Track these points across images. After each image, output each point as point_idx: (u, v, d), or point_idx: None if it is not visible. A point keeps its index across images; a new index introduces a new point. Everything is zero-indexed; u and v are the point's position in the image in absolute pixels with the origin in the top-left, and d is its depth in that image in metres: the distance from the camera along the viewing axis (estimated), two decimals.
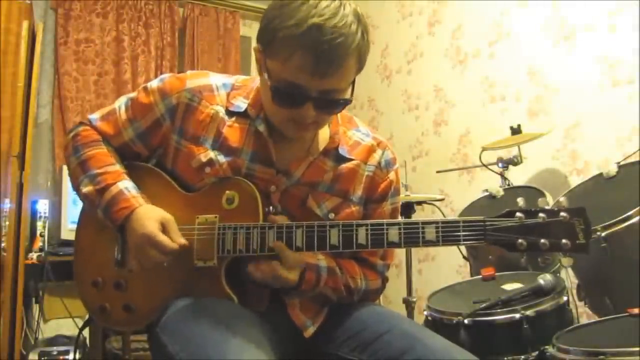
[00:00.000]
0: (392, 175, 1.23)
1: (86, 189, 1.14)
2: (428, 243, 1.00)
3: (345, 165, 1.18)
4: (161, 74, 3.48)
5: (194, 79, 1.17)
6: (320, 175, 1.16)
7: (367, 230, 1.03)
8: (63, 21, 3.38)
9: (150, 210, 1.10)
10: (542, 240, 0.95)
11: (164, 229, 1.07)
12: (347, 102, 1.07)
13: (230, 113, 1.15)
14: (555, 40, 2.61)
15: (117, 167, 1.16)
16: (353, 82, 1.07)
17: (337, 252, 1.08)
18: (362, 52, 1.02)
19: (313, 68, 0.97)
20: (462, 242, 1.00)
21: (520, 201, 0.98)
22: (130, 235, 1.09)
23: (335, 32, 0.96)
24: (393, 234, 1.02)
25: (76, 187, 1.18)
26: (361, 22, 1.00)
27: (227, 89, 1.18)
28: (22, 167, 2.49)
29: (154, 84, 1.19)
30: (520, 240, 0.95)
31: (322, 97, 1.03)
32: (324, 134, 1.18)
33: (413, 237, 1.01)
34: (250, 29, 4.07)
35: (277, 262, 1.06)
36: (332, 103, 1.06)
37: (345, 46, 0.97)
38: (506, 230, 0.96)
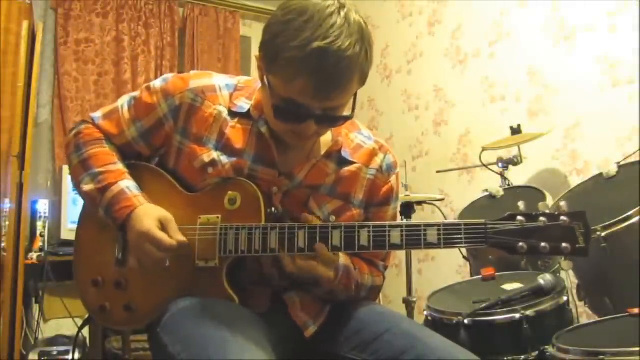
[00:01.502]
0: (393, 180, 1.24)
1: (87, 187, 1.14)
2: (430, 245, 1.01)
3: (347, 169, 1.18)
4: (161, 74, 3.50)
5: (197, 79, 1.17)
6: (323, 178, 1.16)
7: (369, 232, 1.03)
8: (63, 21, 3.38)
9: (150, 209, 1.10)
10: (543, 244, 0.95)
11: (163, 227, 1.07)
12: (349, 118, 1.09)
13: (232, 114, 1.15)
14: (555, 40, 2.62)
15: (119, 166, 1.16)
16: (355, 95, 1.07)
17: None
18: (365, 70, 1.03)
19: (315, 91, 0.98)
20: (463, 245, 1.00)
21: (521, 205, 0.99)
22: (129, 235, 1.09)
23: (339, 56, 0.95)
24: (395, 236, 1.02)
25: (77, 185, 1.18)
26: (365, 38, 1.00)
27: (230, 89, 1.18)
28: (22, 167, 2.49)
29: (157, 83, 1.19)
30: (521, 244, 0.96)
31: (324, 114, 1.03)
32: (326, 137, 1.18)
33: (415, 240, 1.02)
34: (250, 29, 4.06)
35: (315, 261, 1.06)
36: (334, 119, 1.07)
37: (349, 69, 0.97)
38: (507, 234, 0.97)
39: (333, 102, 1.02)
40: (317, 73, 0.96)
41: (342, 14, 0.97)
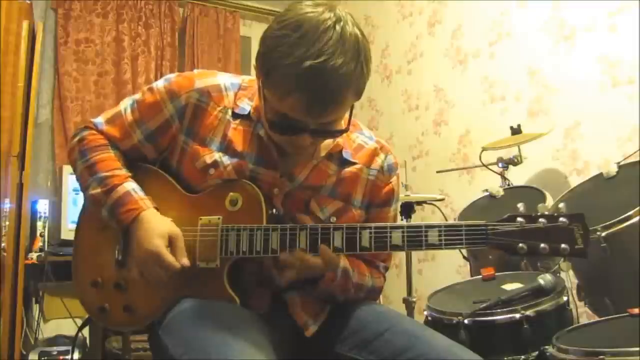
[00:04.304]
0: (394, 181, 1.24)
1: (94, 190, 1.13)
2: (431, 246, 1.01)
3: (348, 170, 1.18)
4: (161, 74, 3.50)
5: (203, 79, 1.17)
6: (324, 179, 1.16)
7: (370, 233, 1.04)
8: (63, 21, 3.38)
9: (159, 223, 1.08)
10: (542, 245, 0.96)
11: (171, 243, 1.06)
12: (345, 131, 1.09)
13: (235, 115, 1.15)
14: (555, 40, 2.62)
15: (124, 171, 1.15)
16: (351, 107, 1.07)
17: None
18: (361, 85, 1.02)
19: (309, 108, 0.98)
20: (464, 246, 1.01)
21: (521, 206, 0.99)
22: (136, 245, 1.08)
23: (333, 75, 0.95)
24: (396, 237, 1.03)
25: (84, 190, 1.17)
26: (361, 53, 0.99)
27: (235, 88, 1.18)
28: (22, 167, 2.50)
29: (160, 84, 1.17)
30: (521, 245, 0.96)
31: (318, 129, 1.04)
32: None
33: (416, 241, 1.02)
34: (250, 29, 4.06)
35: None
36: (328, 132, 1.08)
37: (342, 87, 0.97)
38: (507, 235, 0.97)
39: (327, 118, 1.02)
40: (310, 91, 0.95)
41: (338, 28, 0.96)
